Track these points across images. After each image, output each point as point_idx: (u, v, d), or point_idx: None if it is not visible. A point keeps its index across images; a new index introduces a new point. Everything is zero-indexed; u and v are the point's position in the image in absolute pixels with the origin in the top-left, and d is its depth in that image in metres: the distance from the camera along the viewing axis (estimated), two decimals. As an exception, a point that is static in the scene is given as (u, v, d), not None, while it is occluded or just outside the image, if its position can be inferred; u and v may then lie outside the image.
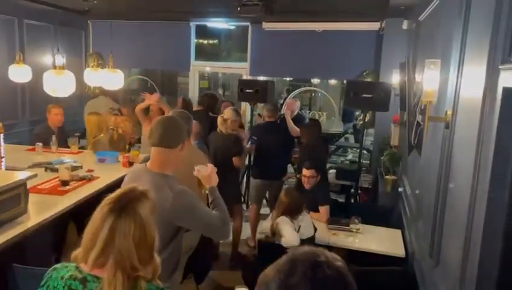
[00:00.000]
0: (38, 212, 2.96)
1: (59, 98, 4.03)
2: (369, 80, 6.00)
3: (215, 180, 2.24)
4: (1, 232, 2.60)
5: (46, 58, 6.49)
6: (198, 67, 7.54)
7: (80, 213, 3.10)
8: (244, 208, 5.91)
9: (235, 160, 4.38)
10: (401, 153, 4.73)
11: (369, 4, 5.00)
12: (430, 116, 2.28)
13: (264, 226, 3.61)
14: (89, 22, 7.45)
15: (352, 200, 5.53)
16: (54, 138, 4.83)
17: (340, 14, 5.93)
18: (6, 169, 3.58)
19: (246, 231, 4.96)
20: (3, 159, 3.62)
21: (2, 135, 3.63)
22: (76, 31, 7.33)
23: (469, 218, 1.68)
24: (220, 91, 10.39)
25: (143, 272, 1.36)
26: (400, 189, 4.35)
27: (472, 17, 2.00)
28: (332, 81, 9.53)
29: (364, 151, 6.00)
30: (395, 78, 5.30)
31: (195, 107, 5.72)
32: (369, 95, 4.54)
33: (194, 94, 7.55)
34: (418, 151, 3.39)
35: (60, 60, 3.61)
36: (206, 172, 2.21)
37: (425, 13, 3.73)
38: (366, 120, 5.17)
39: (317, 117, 7.48)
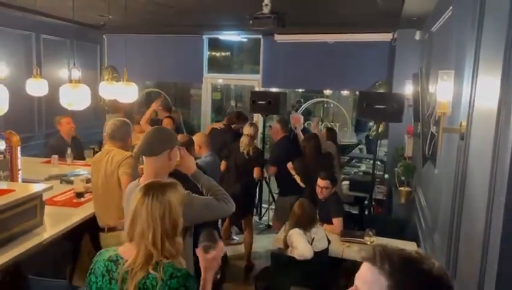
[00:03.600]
0: (53, 224, 3.00)
1: (74, 112, 4.10)
2: (381, 90, 5.98)
3: (188, 164, 2.14)
4: (17, 244, 2.64)
5: (62, 72, 6.63)
6: (211, 80, 7.61)
7: (94, 225, 3.13)
8: (257, 220, 5.91)
9: (256, 171, 4.49)
10: (416, 165, 4.67)
11: (381, 15, 5.00)
12: (444, 128, 2.25)
13: (277, 238, 3.59)
14: (104, 36, 7.60)
15: (366, 212, 5.46)
16: (69, 150, 4.92)
17: (352, 25, 5.94)
18: (22, 181, 3.65)
19: (259, 243, 4.94)
20: (20, 172, 3.69)
21: (19, 147, 3.71)
22: (92, 45, 7.48)
23: (486, 231, 1.65)
24: (232, 103, 10.45)
25: (164, 251, 1.49)
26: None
27: (485, 27, 1.98)
28: (345, 92, 9.52)
29: (378, 163, 5.95)
30: (408, 89, 5.27)
31: (222, 122, 5.81)
32: (382, 106, 4.51)
33: (206, 106, 7.61)
34: (432, 163, 3.34)
35: (76, 73, 3.68)
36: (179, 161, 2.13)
37: (438, 24, 3.71)
38: (379, 131, 5.14)
39: (329, 126, 7.45)
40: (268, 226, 5.85)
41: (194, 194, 2.04)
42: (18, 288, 2.53)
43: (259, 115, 6.52)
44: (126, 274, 1.47)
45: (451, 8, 3.04)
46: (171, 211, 1.52)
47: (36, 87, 4.62)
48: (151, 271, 1.46)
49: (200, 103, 7.77)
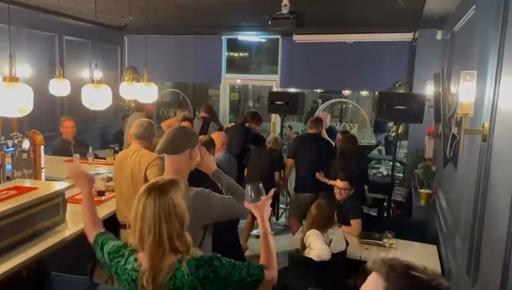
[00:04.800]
0: (75, 221, 3.05)
1: (95, 111, 4.18)
2: (401, 91, 5.91)
3: (208, 163, 2.19)
4: (41, 241, 2.71)
5: (84, 73, 6.76)
6: (229, 80, 7.65)
7: (115, 222, 3.19)
8: (274, 220, 5.91)
9: (277, 175, 4.66)
10: (436, 166, 4.60)
11: (401, 15, 4.94)
12: (466, 129, 2.21)
13: (294, 239, 3.58)
14: (124, 37, 7.72)
15: (385, 214, 5.40)
16: (90, 149, 5.02)
17: (371, 25, 5.89)
18: (46, 179, 3.73)
19: (277, 243, 4.93)
20: (43, 170, 3.78)
21: (42, 146, 3.80)
22: (113, 46, 7.61)
23: (508, 235, 1.62)
24: (250, 103, 10.47)
25: (177, 249, 1.49)
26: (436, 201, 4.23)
27: (509, 27, 1.94)
28: (364, 92, 9.43)
29: (398, 164, 5.88)
30: (429, 90, 5.18)
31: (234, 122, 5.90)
32: (402, 107, 4.46)
33: (224, 106, 7.65)
34: (453, 165, 3.29)
35: (98, 74, 3.75)
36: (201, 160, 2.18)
37: (460, 23, 3.65)
38: (399, 132, 5.08)
39: (348, 129, 7.40)
40: (286, 227, 5.85)
41: (214, 193, 2.07)
42: (41, 284, 2.59)
43: (277, 116, 6.52)
44: (149, 280, 1.47)
45: (474, 7, 2.99)
46: (176, 209, 1.51)
47: (59, 88, 4.72)
48: (176, 271, 1.47)
49: (218, 103, 7.81)
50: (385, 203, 5.48)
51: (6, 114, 2.58)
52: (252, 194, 1.78)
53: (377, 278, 0.91)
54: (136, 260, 1.56)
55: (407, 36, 6.03)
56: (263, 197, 1.80)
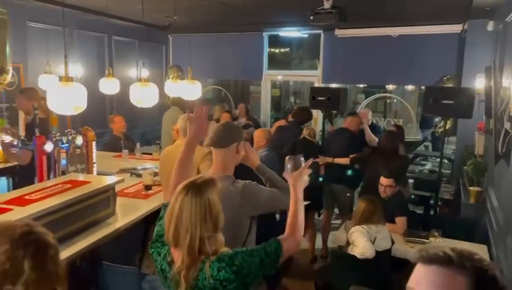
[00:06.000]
0: (124, 214, 3.20)
1: (142, 109, 4.33)
2: (449, 85, 5.69)
3: (253, 158, 2.23)
4: (93, 232, 2.85)
5: (131, 71, 7.01)
6: (271, 76, 7.66)
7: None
8: (316, 217, 5.88)
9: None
10: (487, 163, 4.40)
11: (449, 6, 4.75)
12: (520, 124, 2.11)
13: (338, 235, 3.56)
14: (169, 36, 7.92)
15: (432, 212, 5.24)
16: (138, 145, 5.22)
17: (418, 17, 5.70)
18: (97, 174, 3.92)
19: (319, 240, 4.92)
20: (95, 165, 3.97)
21: (94, 142, 3.99)
22: (158, 45, 7.84)
23: None
24: (291, 99, 10.45)
25: (207, 250, 1.51)
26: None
27: None
28: (409, 87, 9.15)
29: (445, 161, 5.68)
30: (479, 83, 4.96)
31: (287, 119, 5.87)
32: (450, 102, 4.29)
33: (266, 102, 7.69)
34: (506, 161, 3.14)
35: (145, 73, 3.88)
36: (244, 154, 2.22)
37: (514, 13, 3.47)
38: (446, 127, 4.90)
39: (392, 124, 7.22)
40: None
41: (261, 185, 2.13)
42: (93, 273, 2.73)
43: (319, 111, 6.47)
44: (178, 276, 1.53)
45: (529, -5, 2.83)
46: (211, 210, 1.52)
47: (109, 86, 4.92)
48: (199, 272, 1.51)
49: (259, 100, 7.85)
50: (431, 201, 5.31)
51: (62, 112, 2.72)
52: (290, 165, 1.84)
53: (454, 274, 0.83)
54: (169, 252, 1.62)
55: (455, 28, 5.79)
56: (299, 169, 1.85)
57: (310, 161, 1.87)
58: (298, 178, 1.82)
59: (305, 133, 4.93)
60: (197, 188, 1.54)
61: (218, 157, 2.15)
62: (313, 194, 4.55)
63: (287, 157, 1.88)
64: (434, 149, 7.54)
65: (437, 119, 7.15)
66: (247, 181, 2.11)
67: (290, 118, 5.73)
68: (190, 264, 1.50)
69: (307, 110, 5.63)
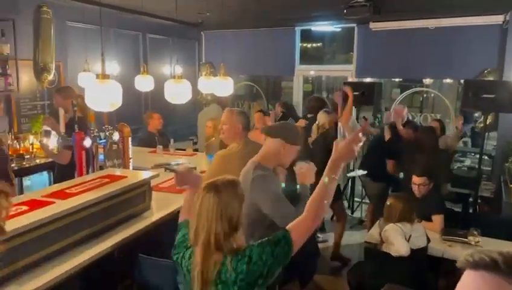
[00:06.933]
0: (159, 208, 3.26)
1: (176, 105, 4.40)
2: (490, 78, 5.46)
3: (309, 179, 2.28)
4: (130, 225, 2.93)
5: (165, 68, 7.13)
6: (303, 72, 7.60)
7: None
8: (349, 214, 5.81)
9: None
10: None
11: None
12: None
13: (371, 233, 3.50)
14: (201, 33, 8.00)
15: (471, 210, 5.06)
16: (171, 141, 5.32)
17: (456, 9, 5.49)
18: (133, 169, 4.02)
19: (352, 237, 4.86)
20: (131, 160, 4.08)
21: (129, 138, 4.09)
22: (191, 42, 7.93)
23: None
24: (324, 94, 10.32)
25: (225, 249, 1.57)
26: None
27: None
28: (447, 81, 8.84)
29: (485, 157, 5.47)
30: (523, 76, 4.74)
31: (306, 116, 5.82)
32: (491, 96, 4.13)
33: (298, 98, 7.63)
34: (552, 158, 2.99)
35: (179, 69, 3.94)
36: (302, 169, 2.29)
37: (562, 1, 3.28)
38: (487, 123, 4.71)
39: (429, 120, 7.00)
40: (361, 221, 5.72)
41: (275, 188, 2.23)
42: (129, 264, 2.80)
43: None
44: (199, 274, 1.59)
45: None
46: (226, 210, 1.58)
47: (144, 83, 5.03)
48: (222, 266, 1.57)
49: (291, 95, 7.81)
50: (470, 199, 5.12)
51: (99, 108, 2.80)
52: (347, 133, 1.91)
53: (506, 285, 0.76)
54: (193, 253, 1.68)
55: (497, 19, 5.54)
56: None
57: (366, 125, 1.94)
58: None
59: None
60: (216, 188, 1.61)
61: (265, 146, 2.32)
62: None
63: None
64: (473, 145, 7.26)
65: (477, 114, 6.87)
66: (264, 174, 2.18)
67: (308, 115, 5.65)
68: (205, 260, 1.57)
69: (316, 99, 5.63)
